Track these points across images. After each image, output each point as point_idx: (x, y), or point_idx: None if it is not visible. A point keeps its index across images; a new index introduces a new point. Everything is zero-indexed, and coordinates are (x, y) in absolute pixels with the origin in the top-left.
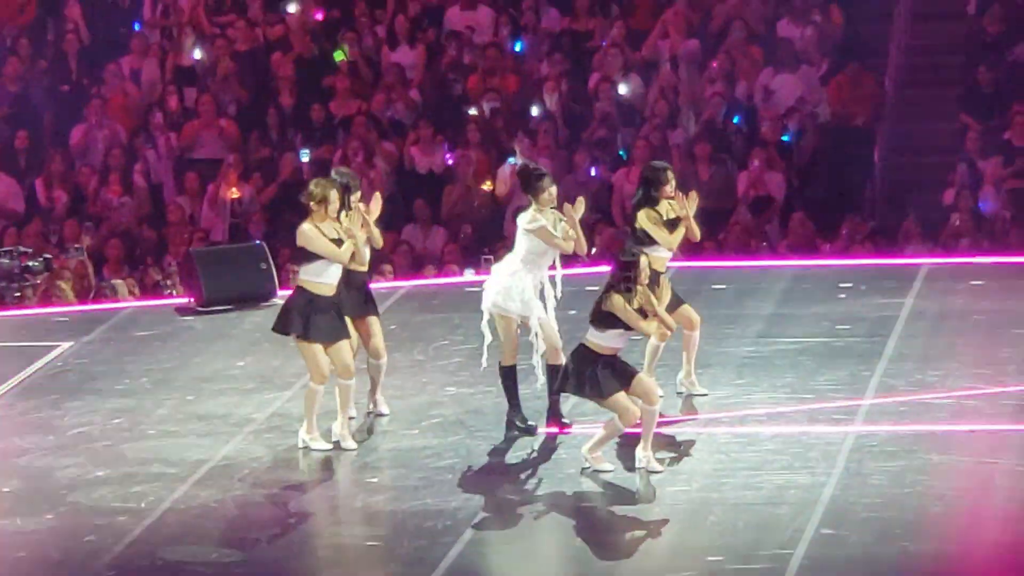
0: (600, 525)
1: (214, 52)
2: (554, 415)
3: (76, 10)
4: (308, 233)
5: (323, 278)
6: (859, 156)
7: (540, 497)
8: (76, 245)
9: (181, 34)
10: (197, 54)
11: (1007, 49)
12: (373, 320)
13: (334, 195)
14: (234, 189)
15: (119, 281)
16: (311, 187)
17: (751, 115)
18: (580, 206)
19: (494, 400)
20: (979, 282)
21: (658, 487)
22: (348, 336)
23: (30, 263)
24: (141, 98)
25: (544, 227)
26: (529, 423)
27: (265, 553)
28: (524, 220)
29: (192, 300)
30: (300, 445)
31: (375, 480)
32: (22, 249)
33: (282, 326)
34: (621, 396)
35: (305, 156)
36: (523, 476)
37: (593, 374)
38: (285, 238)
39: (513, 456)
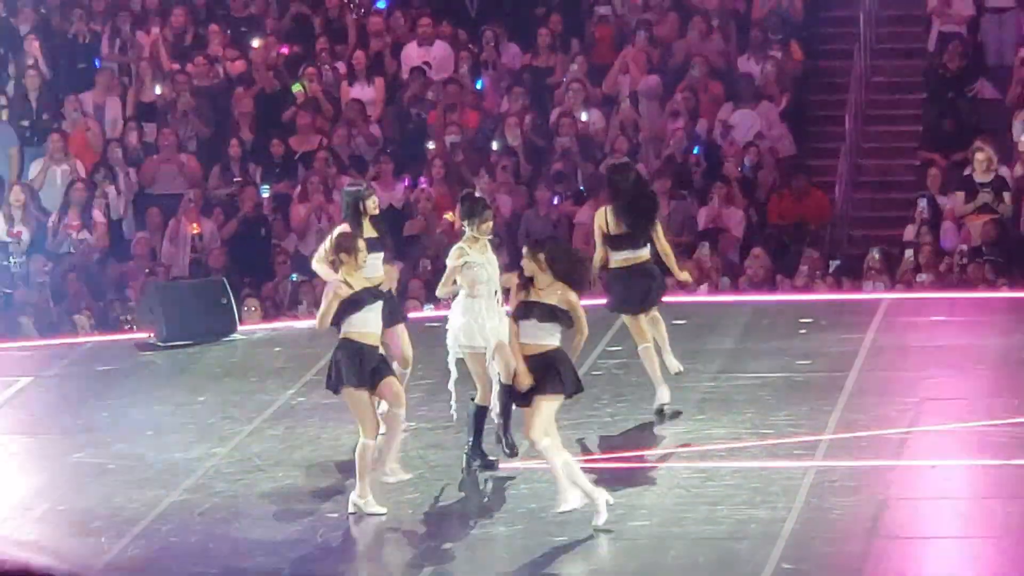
0: (562, 560)
1: (175, 88)
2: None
3: (35, 45)
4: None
5: (369, 327)
6: (819, 191)
7: (501, 532)
8: (39, 280)
9: (141, 70)
10: (157, 90)
11: (967, 85)
12: (401, 328)
13: (362, 244)
14: (195, 225)
15: (80, 316)
16: (337, 240)
17: (711, 150)
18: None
19: (454, 435)
20: (939, 317)
21: (619, 521)
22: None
23: None
24: (101, 133)
25: (454, 267)
26: (489, 458)
27: None
28: (452, 255)
29: (152, 335)
30: (351, 510)
31: (335, 515)
32: None
33: (337, 381)
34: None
35: (265, 191)
36: (484, 511)
37: None
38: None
39: (474, 491)
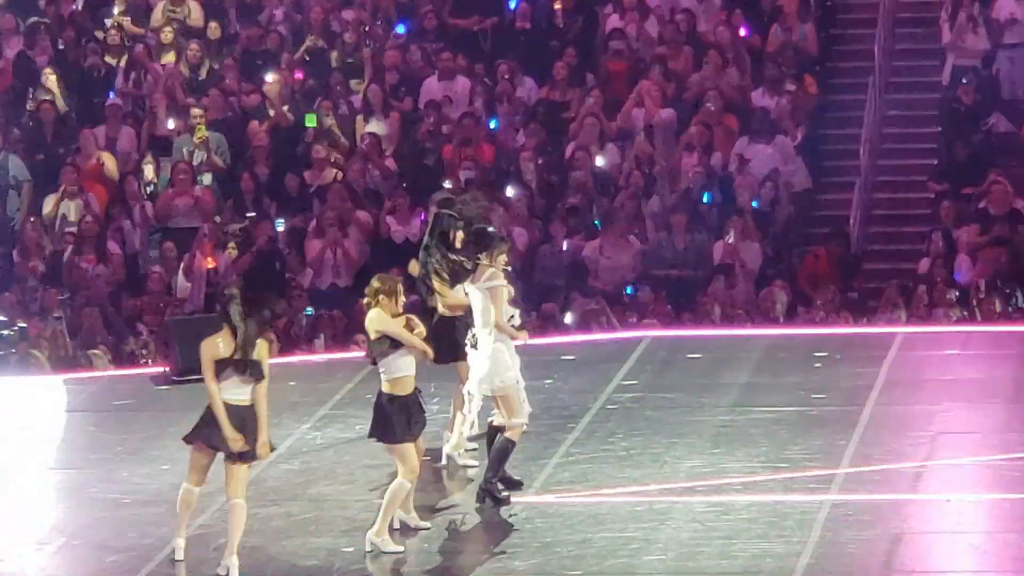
0: None
1: (189, 121)
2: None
3: (52, 79)
4: (388, 324)
5: (406, 371)
6: (834, 225)
7: (516, 566)
8: (54, 314)
9: (155, 103)
10: (171, 124)
11: (981, 119)
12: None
13: (401, 288)
14: (210, 259)
15: (96, 351)
16: (376, 283)
17: (726, 185)
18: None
19: (471, 471)
20: (954, 351)
21: (634, 556)
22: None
23: (4, 332)
24: (116, 167)
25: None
26: (503, 493)
27: None
28: (483, 278)
29: (168, 369)
30: (368, 548)
31: (350, 550)
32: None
33: (390, 435)
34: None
35: (280, 225)
36: (500, 544)
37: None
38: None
39: (489, 524)
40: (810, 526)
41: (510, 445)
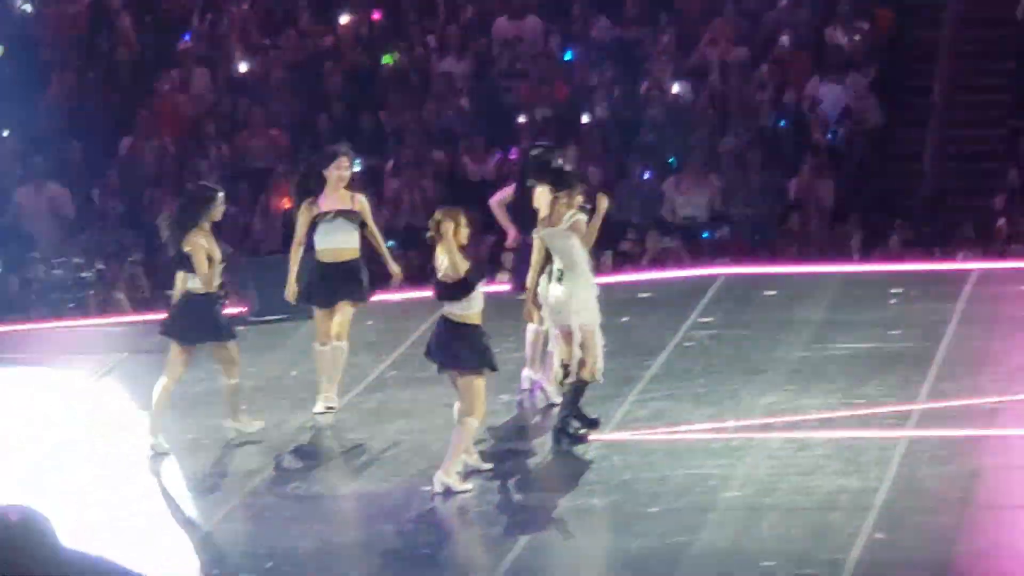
0: (654, 531)
1: (264, 62)
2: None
3: (127, 21)
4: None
5: (479, 305)
6: (908, 162)
7: (594, 504)
8: (131, 257)
9: (230, 45)
10: (245, 66)
11: None
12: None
13: (464, 220)
14: (286, 199)
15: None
16: (438, 215)
17: (800, 122)
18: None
19: (546, 407)
20: None
21: (712, 493)
22: None
23: (84, 274)
24: (192, 109)
25: (582, 220)
26: (581, 431)
27: (319, 560)
28: (566, 218)
29: (245, 310)
30: (438, 490)
31: (427, 489)
32: (76, 260)
33: (487, 363)
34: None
35: (357, 165)
36: (577, 482)
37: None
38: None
39: (566, 463)
40: (887, 462)
41: (584, 384)
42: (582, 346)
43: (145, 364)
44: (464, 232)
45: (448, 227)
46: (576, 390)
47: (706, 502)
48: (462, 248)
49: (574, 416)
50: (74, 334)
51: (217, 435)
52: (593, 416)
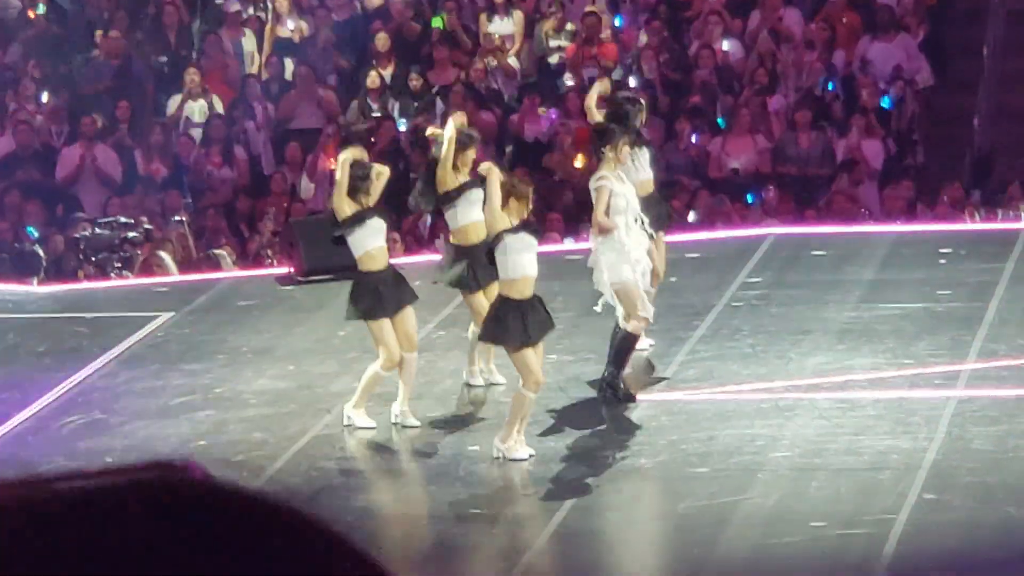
0: (702, 491)
1: (313, 22)
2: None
3: None
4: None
5: (530, 271)
6: (958, 123)
7: (642, 464)
8: (177, 216)
9: (277, 5)
10: (293, 25)
11: None
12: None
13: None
14: (333, 160)
15: (221, 251)
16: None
17: (850, 82)
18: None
19: (594, 367)
20: None
21: (760, 452)
22: None
23: (130, 234)
24: (239, 69)
25: (602, 188)
26: (630, 391)
27: (365, 519)
28: (592, 181)
29: (292, 270)
30: (495, 455)
31: (476, 448)
32: (123, 220)
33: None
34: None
35: (403, 125)
36: (625, 443)
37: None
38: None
39: (614, 423)
40: (936, 422)
41: (631, 339)
42: (621, 303)
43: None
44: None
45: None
46: (623, 345)
47: (754, 463)
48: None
49: (622, 373)
50: (121, 293)
51: (264, 396)
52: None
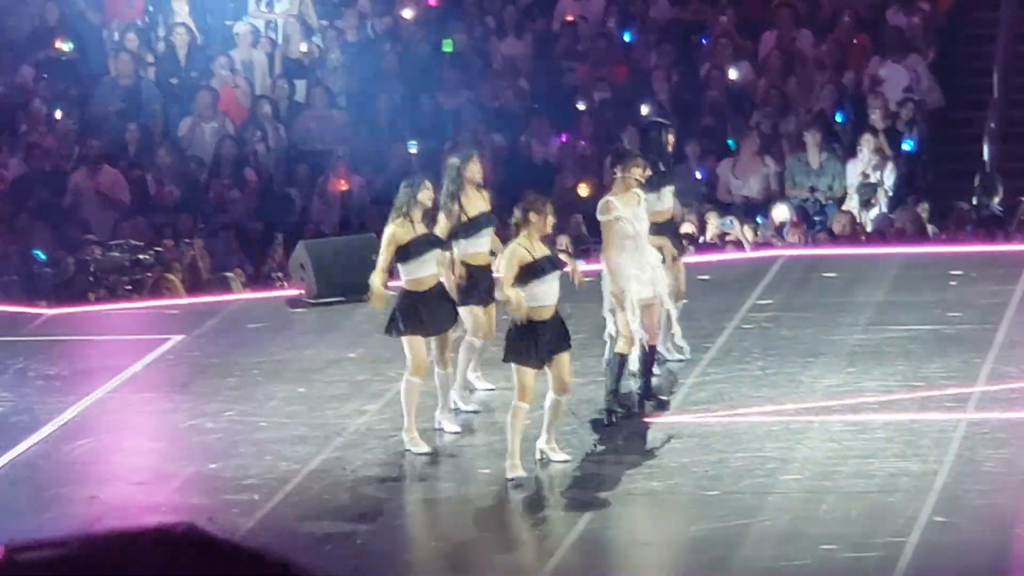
0: (713, 514)
1: (324, 44)
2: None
3: (184, 4)
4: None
5: (548, 300)
6: (967, 144)
7: (655, 484)
8: (187, 239)
9: (288, 27)
10: (304, 47)
11: None
12: None
13: (551, 209)
14: (343, 181)
15: (231, 274)
16: (532, 201)
17: (860, 103)
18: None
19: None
20: None
21: (771, 476)
22: None
23: (141, 256)
24: (250, 90)
25: (609, 221)
26: (632, 409)
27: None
28: (600, 209)
29: (303, 292)
30: (538, 456)
31: (487, 471)
32: (133, 242)
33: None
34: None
35: (413, 147)
36: (636, 465)
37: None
38: None
39: (624, 445)
40: (947, 445)
41: (619, 359)
42: (616, 312)
43: (200, 345)
44: (550, 221)
45: (534, 217)
46: (612, 366)
47: (765, 485)
48: (544, 237)
49: (615, 395)
50: (131, 316)
51: (274, 419)
52: (664, 397)
